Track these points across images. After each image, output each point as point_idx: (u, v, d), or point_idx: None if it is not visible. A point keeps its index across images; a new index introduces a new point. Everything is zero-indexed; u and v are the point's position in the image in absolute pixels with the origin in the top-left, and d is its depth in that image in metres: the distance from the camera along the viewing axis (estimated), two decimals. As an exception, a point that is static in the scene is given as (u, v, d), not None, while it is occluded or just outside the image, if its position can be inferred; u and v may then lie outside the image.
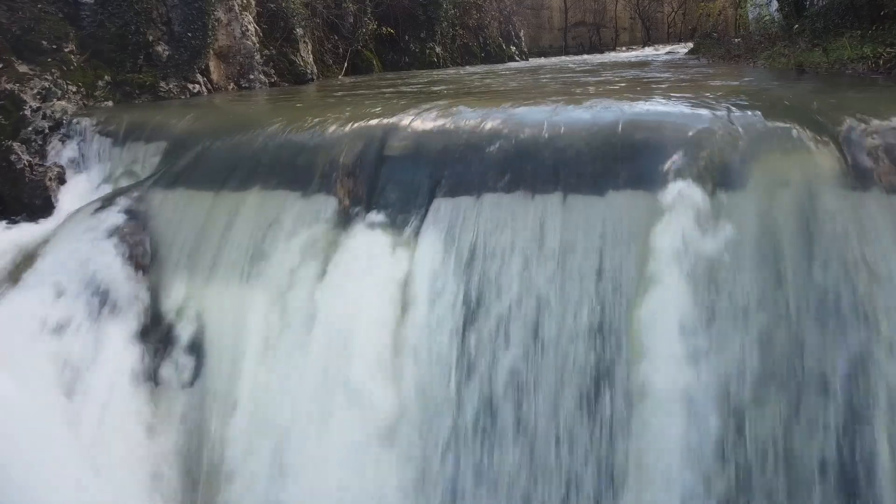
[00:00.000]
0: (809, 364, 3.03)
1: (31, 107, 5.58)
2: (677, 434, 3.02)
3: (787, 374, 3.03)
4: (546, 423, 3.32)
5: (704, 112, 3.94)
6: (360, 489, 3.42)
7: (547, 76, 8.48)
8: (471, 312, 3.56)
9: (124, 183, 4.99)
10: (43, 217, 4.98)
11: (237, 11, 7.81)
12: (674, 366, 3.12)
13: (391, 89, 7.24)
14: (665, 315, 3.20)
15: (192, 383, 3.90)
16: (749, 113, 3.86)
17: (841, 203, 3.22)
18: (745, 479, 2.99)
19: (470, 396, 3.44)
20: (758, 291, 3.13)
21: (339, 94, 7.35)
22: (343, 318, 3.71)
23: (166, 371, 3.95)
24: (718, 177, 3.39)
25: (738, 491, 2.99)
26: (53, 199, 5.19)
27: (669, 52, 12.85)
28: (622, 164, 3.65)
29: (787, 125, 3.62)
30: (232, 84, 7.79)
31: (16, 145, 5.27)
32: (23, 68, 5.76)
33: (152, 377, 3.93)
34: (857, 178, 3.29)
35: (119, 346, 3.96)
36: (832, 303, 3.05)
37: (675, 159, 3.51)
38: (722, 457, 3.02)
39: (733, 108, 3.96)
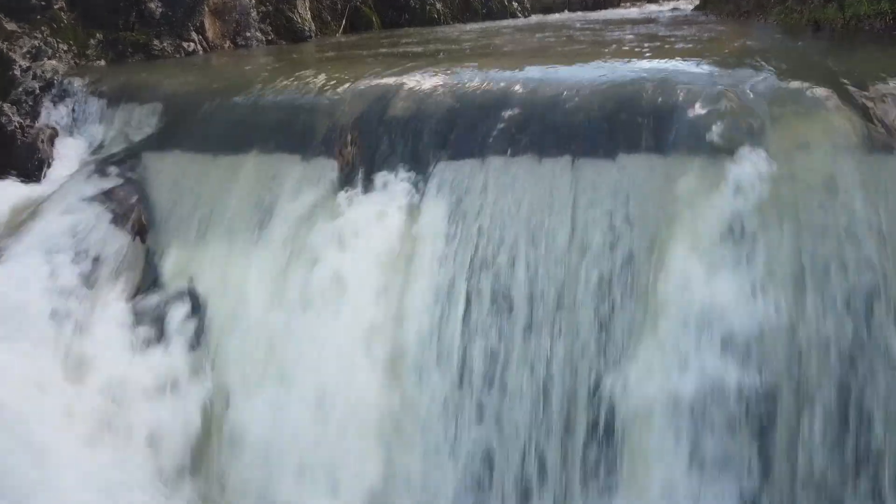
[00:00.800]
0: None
1: (20, 66, 5.44)
2: None
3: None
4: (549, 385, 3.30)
5: (719, 71, 3.85)
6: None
7: (551, 33, 8.31)
8: (475, 277, 3.50)
9: (118, 145, 4.89)
10: (36, 180, 4.88)
11: (232, -34, 7.60)
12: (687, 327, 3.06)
13: (392, 48, 7.09)
14: (679, 281, 3.13)
15: (192, 347, 3.83)
16: (766, 73, 3.77)
17: (863, 166, 3.12)
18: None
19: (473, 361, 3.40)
20: (778, 257, 3.05)
21: (339, 52, 7.20)
22: (346, 283, 3.65)
23: (165, 334, 3.87)
24: (736, 140, 3.30)
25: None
26: (46, 162, 5.08)
27: (674, 9, 12.62)
28: (634, 126, 3.56)
29: (806, 85, 3.52)
30: (228, 42, 7.62)
31: (6, 106, 5.15)
32: (11, 26, 5.60)
33: (152, 340, 3.86)
34: (880, 140, 3.19)
35: (117, 311, 3.90)
36: (852, 272, 2.98)
37: (690, 121, 3.43)
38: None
39: (749, 68, 3.87)
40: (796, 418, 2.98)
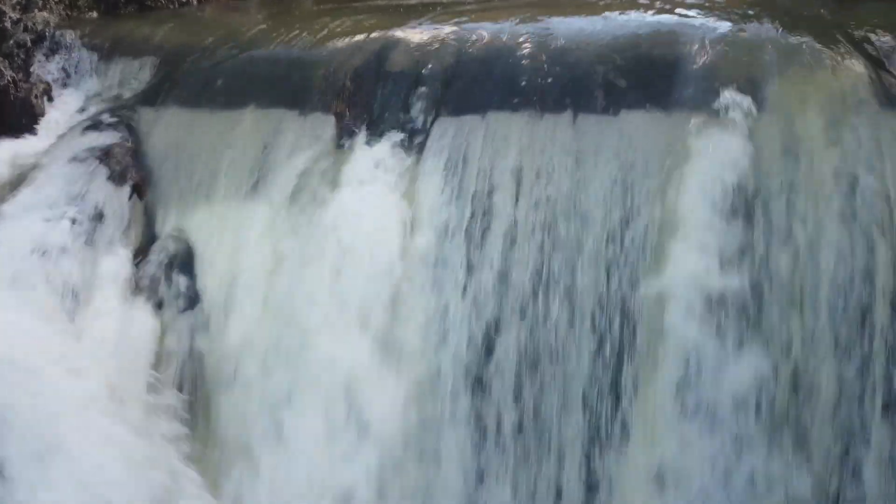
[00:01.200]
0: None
1: (10, 18, 5.33)
2: None
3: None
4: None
5: (722, 24, 3.79)
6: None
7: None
8: (476, 234, 3.51)
9: (113, 99, 4.83)
10: (30, 135, 4.82)
11: (226, -87, 7.43)
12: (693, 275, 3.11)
13: (391, 0, 6.98)
14: (682, 239, 3.16)
15: (191, 304, 3.84)
16: (769, 25, 3.72)
17: (871, 121, 3.10)
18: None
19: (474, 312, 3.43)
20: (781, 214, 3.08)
21: (337, 4, 7.07)
22: (345, 239, 3.65)
23: (165, 292, 3.87)
24: (741, 94, 3.27)
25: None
26: (40, 117, 5.02)
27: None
28: (637, 80, 3.53)
29: (812, 38, 3.49)
30: (222, -7, 7.48)
31: (-2, 60, 5.06)
32: (0, -24, 5.47)
33: (151, 299, 3.86)
34: (888, 95, 3.16)
35: (115, 269, 3.89)
36: (861, 226, 2.99)
37: (694, 76, 3.40)
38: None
39: (751, 20, 3.82)
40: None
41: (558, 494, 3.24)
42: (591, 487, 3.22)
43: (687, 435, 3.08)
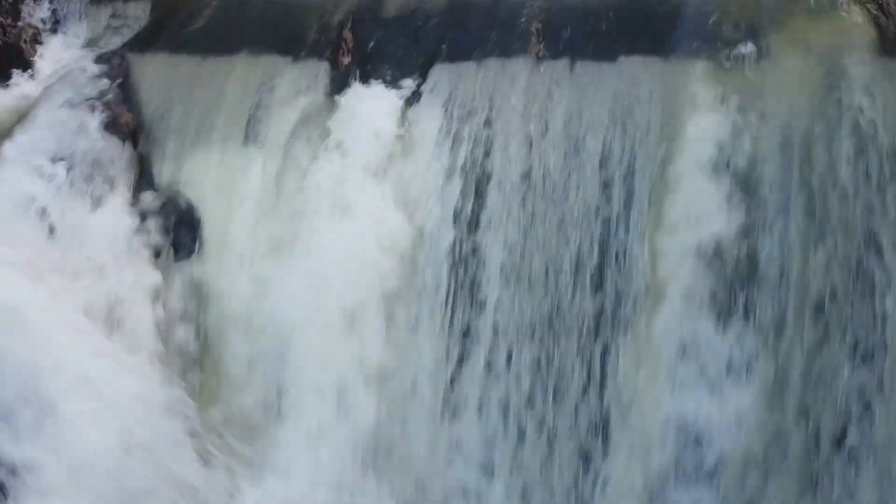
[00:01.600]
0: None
1: (-2, -38, 5.22)
2: None
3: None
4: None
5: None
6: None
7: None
8: (471, 181, 3.51)
9: (104, 45, 4.76)
10: (19, 81, 4.77)
11: None
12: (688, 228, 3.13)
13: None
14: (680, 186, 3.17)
15: (189, 251, 3.87)
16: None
17: (872, 69, 3.08)
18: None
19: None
20: (781, 163, 3.07)
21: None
22: (341, 185, 3.65)
23: (161, 240, 3.89)
24: (741, 42, 3.26)
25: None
26: (31, 63, 4.96)
27: None
28: (635, 27, 3.51)
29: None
30: (214, -65, 7.33)
31: (-15, 5, 4.98)
32: (-15, -82, 5.34)
33: (148, 246, 3.87)
34: (890, 43, 3.14)
35: (112, 219, 3.89)
36: (860, 174, 3.00)
37: (694, 23, 3.37)
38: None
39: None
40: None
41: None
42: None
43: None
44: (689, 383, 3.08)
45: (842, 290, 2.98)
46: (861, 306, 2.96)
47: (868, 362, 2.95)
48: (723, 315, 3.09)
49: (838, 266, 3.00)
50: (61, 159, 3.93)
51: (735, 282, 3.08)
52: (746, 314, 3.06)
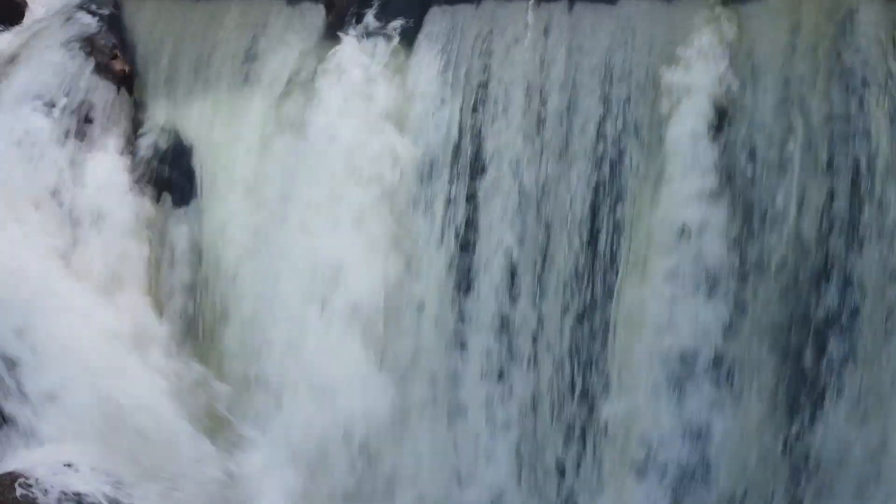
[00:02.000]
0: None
1: None
2: None
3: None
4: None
5: None
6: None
7: None
8: (467, 126, 3.52)
9: (96, -11, 4.68)
10: (11, 25, 4.71)
11: None
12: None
13: None
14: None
15: (185, 199, 3.89)
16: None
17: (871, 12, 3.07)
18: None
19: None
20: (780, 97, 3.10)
21: None
22: (337, 126, 3.64)
23: (158, 186, 3.91)
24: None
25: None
26: (23, 6, 4.90)
27: None
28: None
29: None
30: None
31: (-25, -53, 4.88)
32: None
33: (145, 191, 3.88)
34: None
35: (109, 163, 3.89)
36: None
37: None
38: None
39: None
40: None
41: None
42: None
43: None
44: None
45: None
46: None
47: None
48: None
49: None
50: (54, 103, 3.90)
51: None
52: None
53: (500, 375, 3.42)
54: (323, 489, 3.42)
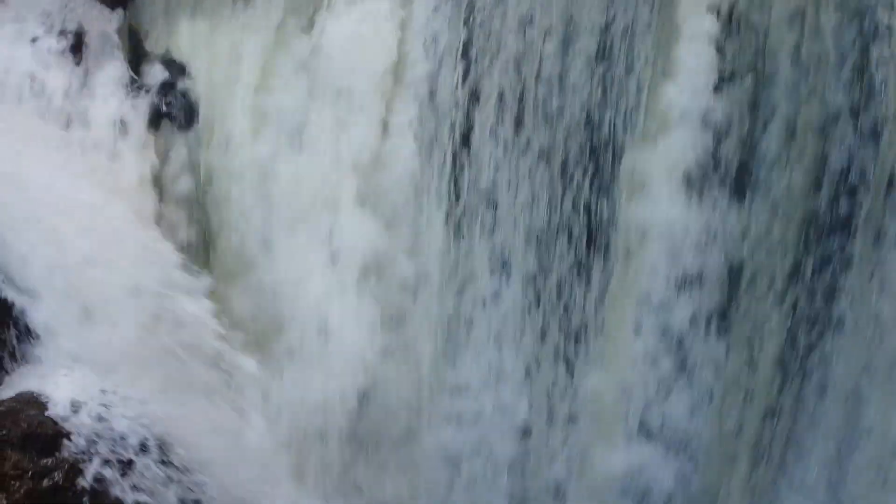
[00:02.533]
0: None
1: None
2: None
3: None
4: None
5: None
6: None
7: None
8: (468, 63, 3.57)
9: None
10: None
11: None
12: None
13: None
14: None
15: (185, 124, 3.90)
16: None
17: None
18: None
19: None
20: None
21: None
22: (341, 55, 3.68)
23: (157, 110, 3.91)
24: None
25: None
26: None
27: None
28: None
29: None
30: None
31: None
32: None
33: (143, 116, 3.89)
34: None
35: (108, 89, 3.89)
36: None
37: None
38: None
39: None
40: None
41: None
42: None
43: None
44: None
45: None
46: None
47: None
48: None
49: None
50: (54, 29, 3.88)
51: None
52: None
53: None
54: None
